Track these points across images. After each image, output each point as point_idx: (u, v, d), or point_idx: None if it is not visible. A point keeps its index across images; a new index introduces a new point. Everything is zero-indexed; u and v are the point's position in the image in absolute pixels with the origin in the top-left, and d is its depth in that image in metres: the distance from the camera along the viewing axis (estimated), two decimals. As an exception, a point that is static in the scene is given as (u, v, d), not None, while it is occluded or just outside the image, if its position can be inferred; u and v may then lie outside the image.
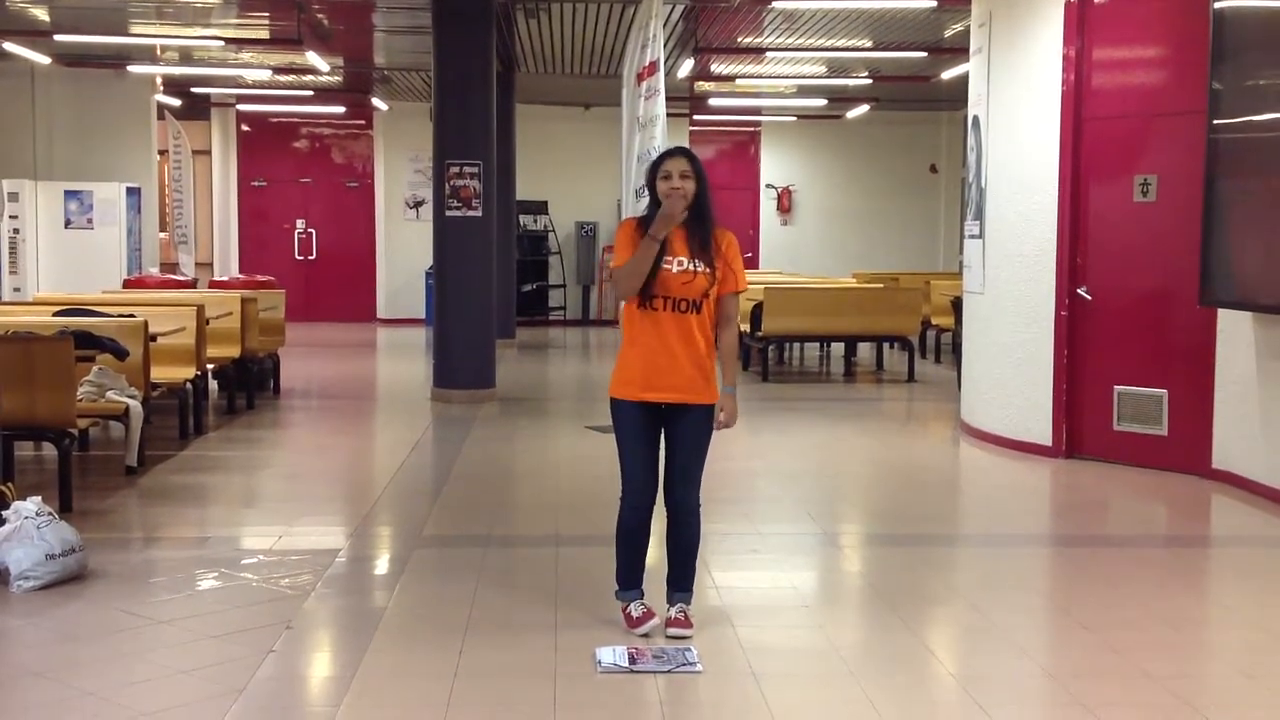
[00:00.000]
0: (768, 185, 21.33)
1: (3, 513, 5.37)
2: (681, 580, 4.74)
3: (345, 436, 9.72)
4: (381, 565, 5.92)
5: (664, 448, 4.66)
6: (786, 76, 16.76)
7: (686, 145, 4.77)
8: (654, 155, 9.46)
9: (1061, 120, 8.31)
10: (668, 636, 4.59)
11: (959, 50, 12.84)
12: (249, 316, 10.35)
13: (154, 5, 12.51)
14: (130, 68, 16.02)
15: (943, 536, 6.59)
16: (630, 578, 4.75)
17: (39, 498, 5.45)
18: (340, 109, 19.88)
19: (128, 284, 13.82)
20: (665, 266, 4.53)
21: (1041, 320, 8.50)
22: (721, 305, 4.63)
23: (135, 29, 13.68)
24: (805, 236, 21.27)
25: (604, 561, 4.90)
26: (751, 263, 20.65)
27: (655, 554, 4.88)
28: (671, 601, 4.72)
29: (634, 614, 4.68)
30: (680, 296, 4.53)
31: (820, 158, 21.25)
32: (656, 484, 4.67)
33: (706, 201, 4.57)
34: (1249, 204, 7.13)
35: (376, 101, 19.39)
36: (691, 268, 4.53)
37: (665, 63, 9.99)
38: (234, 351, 10.14)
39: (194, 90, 18.63)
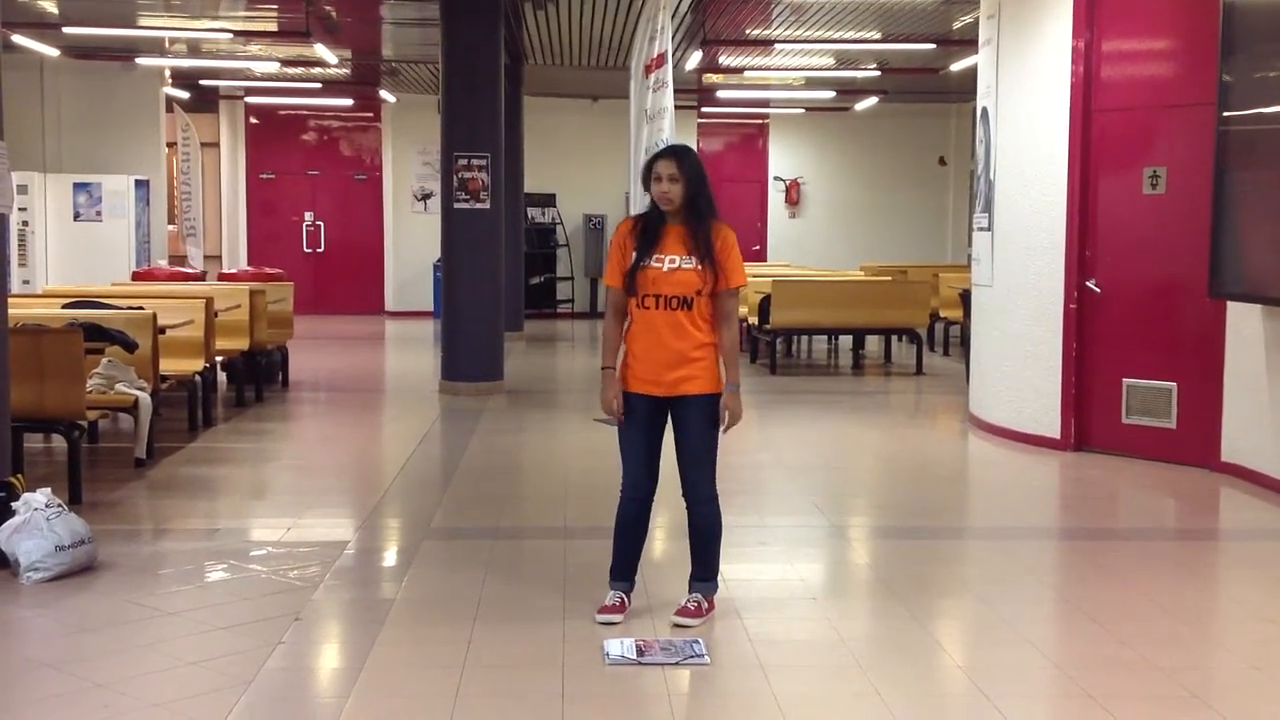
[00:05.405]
0: (776, 178, 21.30)
1: (12, 504, 5.39)
2: (698, 569, 4.75)
3: (353, 429, 9.74)
4: (390, 557, 5.94)
5: (675, 440, 4.67)
6: (795, 69, 16.72)
7: (685, 143, 4.70)
8: (661, 147, 9.55)
9: (1071, 112, 8.28)
10: (672, 624, 4.61)
11: (968, 42, 12.80)
12: (257, 309, 10.35)
13: (162, -2, 12.54)
14: (139, 60, 16.02)
15: (951, 529, 6.59)
16: (620, 569, 4.77)
17: (49, 489, 5.47)
18: (348, 101, 19.86)
19: (136, 276, 13.85)
20: (655, 265, 4.54)
21: (1050, 313, 8.48)
22: (718, 303, 4.60)
23: (144, 21, 13.69)
24: (813, 229, 21.23)
25: (611, 553, 4.89)
26: (759, 255, 20.64)
27: (661, 547, 4.88)
28: (691, 590, 4.75)
29: (606, 601, 4.72)
30: (670, 294, 4.54)
31: (828, 150, 21.21)
32: (654, 477, 4.69)
33: (702, 199, 4.56)
34: (1259, 196, 7.11)
35: (384, 94, 19.39)
36: (682, 265, 4.53)
37: (673, 55, 9.98)
38: (243, 344, 10.15)
39: (202, 83, 18.63)
